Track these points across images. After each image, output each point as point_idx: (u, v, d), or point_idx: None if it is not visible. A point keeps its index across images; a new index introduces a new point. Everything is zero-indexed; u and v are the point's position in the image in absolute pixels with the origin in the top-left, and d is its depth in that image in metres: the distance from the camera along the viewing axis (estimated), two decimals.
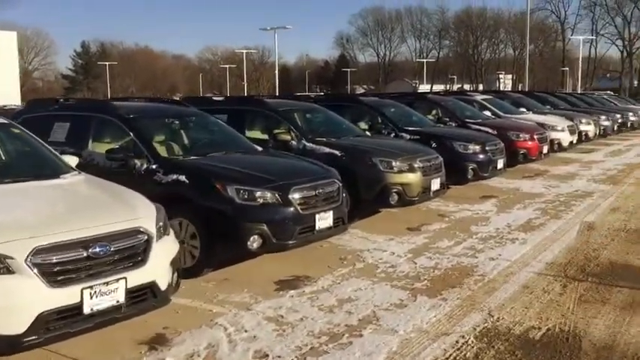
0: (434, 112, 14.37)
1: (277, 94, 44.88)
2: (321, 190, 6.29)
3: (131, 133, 6.58)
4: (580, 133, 17.75)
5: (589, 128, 18.45)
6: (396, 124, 11.07)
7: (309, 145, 8.57)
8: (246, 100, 10.27)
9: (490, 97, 17.32)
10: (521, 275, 6.20)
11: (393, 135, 10.83)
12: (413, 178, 8.34)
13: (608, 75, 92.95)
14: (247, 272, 6.32)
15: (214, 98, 10.31)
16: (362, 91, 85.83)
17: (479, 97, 16.49)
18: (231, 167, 6.17)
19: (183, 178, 6.00)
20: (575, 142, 16.29)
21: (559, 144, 15.35)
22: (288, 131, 8.79)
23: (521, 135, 13.07)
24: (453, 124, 13.09)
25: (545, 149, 13.58)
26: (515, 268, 6.47)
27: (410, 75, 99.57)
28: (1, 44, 44.66)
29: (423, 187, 8.45)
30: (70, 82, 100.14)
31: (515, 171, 13.53)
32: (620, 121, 22.75)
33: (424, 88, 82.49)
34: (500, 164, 11.02)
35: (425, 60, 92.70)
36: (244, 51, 70.41)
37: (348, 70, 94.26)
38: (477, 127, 13.00)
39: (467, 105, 14.83)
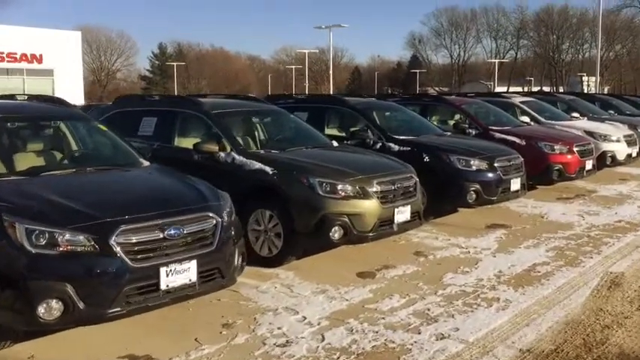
0: (456, 117, 12.09)
1: (331, 93, 43.02)
2: (175, 231, 4.32)
3: None
4: None
5: None
6: (385, 131, 8.90)
7: (239, 158, 6.62)
8: (178, 101, 8.42)
9: (532, 99, 14.67)
10: None
11: (379, 145, 8.68)
12: (366, 206, 6.20)
13: None
14: (72, 342, 4.44)
15: (150, 99, 8.47)
16: (433, 92, 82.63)
17: (517, 100, 13.92)
18: (41, 195, 4.30)
19: None
20: (635, 154, 13.40)
21: (613, 157, 12.58)
22: (217, 140, 6.87)
23: (556, 147, 10.52)
24: (473, 132, 10.75)
25: (589, 165, 10.94)
26: (465, 357, 4.26)
27: (485, 76, 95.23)
28: (66, 44, 45.07)
29: (381, 218, 6.30)
30: (147, 82, 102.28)
31: (552, 189, 11.04)
32: None
33: (500, 90, 78.33)
34: (515, 185, 8.63)
35: (500, 60, 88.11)
36: (306, 51, 68.88)
37: (418, 71, 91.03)
38: (502, 136, 10.59)
39: (498, 109, 12.37)
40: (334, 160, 6.77)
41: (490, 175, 8.35)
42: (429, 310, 5.17)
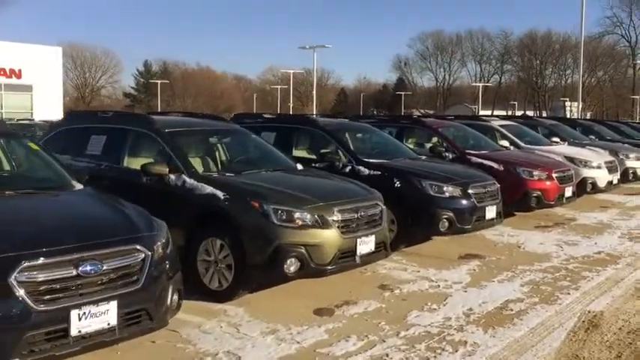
0: (434, 140, 11.65)
1: (315, 114, 42.63)
2: (91, 268, 3.76)
3: None
4: (626, 170, 14.42)
5: (639, 165, 15.05)
6: (355, 154, 8.41)
7: (189, 181, 6.08)
8: (130, 118, 7.82)
9: (511, 123, 14.29)
10: None
11: (348, 169, 8.19)
12: (325, 236, 5.66)
13: None
14: None
15: (103, 115, 7.86)
16: (418, 114, 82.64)
17: (496, 124, 13.54)
18: None
19: None
20: (616, 181, 13.00)
21: (593, 184, 12.16)
22: (168, 161, 6.33)
23: (535, 173, 10.08)
24: (450, 156, 10.31)
25: (568, 191, 10.52)
26: None
27: (470, 100, 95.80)
28: (46, 59, 44.39)
29: (341, 249, 5.76)
30: (131, 100, 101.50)
31: (530, 217, 10.61)
32: None
33: (484, 113, 78.56)
34: (490, 213, 8.14)
35: (484, 84, 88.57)
36: (291, 71, 68.71)
37: (403, 93, 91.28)
38: (479, 160, 10.15)
39: (477, 133, 11.96)
40: (293, 184, 6.24)
41: (464, 202, 7.86)
42: (387, 355, 4.64)
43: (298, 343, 4.85)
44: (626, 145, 16.43)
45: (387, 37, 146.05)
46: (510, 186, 9.61)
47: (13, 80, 42.60)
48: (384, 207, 6.38)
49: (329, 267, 5.71)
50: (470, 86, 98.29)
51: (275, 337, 4.95)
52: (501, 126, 13.36)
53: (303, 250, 5.54)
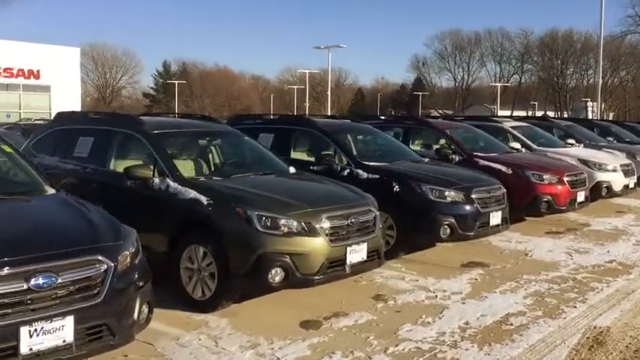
0: (441, 141, 11.29)
1: (329, 114, 42.28)
2: (45, 281, 3.49)
3: None
4: None
5: None
6: (354, 157, 8.11)
7: (173, 185, 5.82)
8: (117, 119, 7.55)
9: (524, 124, 13.85)
10: None
11: (346, 172, 7.88)
12: (312, 244, 5.36)
13: None
14: None
15: (94, 116, 7.64)
16: (437, 114, 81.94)
17: (508, 125, 13.11)
18: None
19: None
20: (632, 185, 12.47)
21: (608, 188, 11.69)
22: (153, 164, 6.08)
23: (545, 176, 9.67)
24: (456, 158, 9.95)
25: (581, 196, 10.08)
26: None
27: (489, 100, 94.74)
28: (64, 60, 44.58)
29: (330, 258, 5.45)
30: (150, 100, 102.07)
31: (542, 222, 10.20)
32: None
33: (504, 114, 77.60)
34: (495, 219, 7.76)
35: (503, 84, 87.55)
36: (307, 71, 68.46)
37: (421, 93, 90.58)
38: (487, 163, 9.79)
39: (486, 134, 11.57)
40: (281, 189, 5.95)
41: (466, 207, 7.50)
42: None
43: (278, 359, 4.56)
44: None
45: (405, 37, 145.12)
46: (520, 190, 9.28)
47: (32, 81, 42.77)
48: (377, 213, 6.06)
49: (316, 277, 5.40)
50: (489, 86, 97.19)
51: (254, 353, 4.66)
52: (513, 127, 12.94)
53: (288, 260, 5.24)
